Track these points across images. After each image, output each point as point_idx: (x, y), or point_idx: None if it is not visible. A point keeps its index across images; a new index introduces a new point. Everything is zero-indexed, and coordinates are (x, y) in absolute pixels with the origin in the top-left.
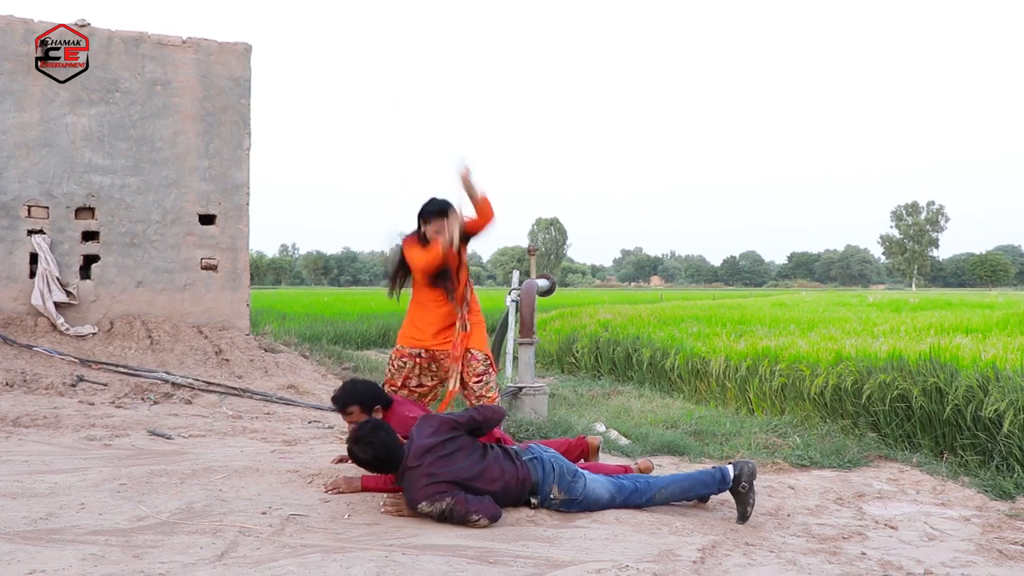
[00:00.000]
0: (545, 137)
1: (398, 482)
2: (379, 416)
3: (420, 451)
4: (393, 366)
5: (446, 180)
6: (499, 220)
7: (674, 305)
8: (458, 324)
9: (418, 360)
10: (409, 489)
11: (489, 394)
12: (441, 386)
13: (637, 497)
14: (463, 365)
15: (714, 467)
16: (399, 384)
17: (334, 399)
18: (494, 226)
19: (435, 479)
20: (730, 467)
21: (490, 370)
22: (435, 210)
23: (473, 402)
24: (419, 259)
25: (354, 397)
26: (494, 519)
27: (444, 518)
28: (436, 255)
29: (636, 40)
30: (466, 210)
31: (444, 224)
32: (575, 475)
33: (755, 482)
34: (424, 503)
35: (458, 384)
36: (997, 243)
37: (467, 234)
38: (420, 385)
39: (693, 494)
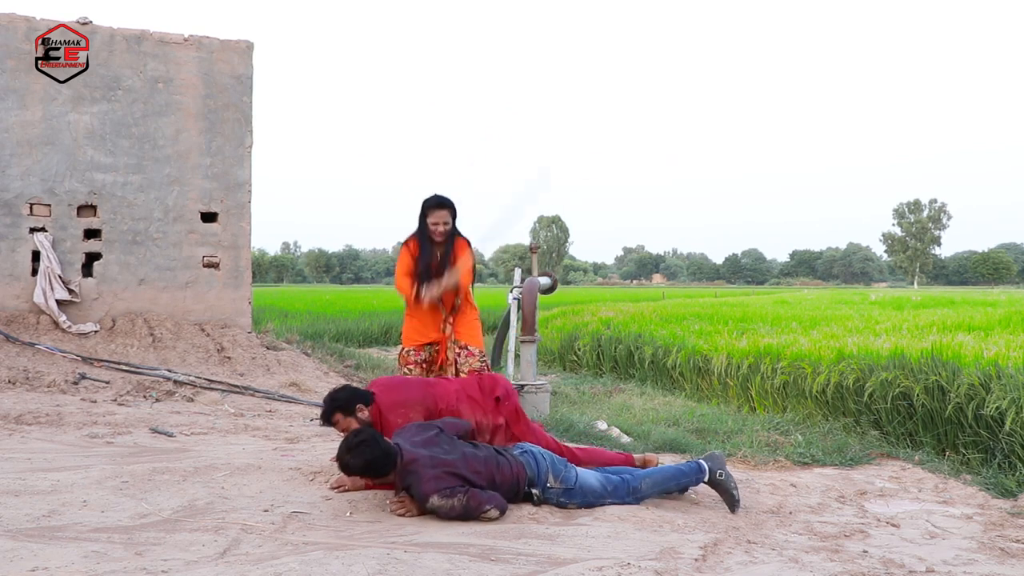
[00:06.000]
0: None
1: (399, 484)
2: (363, 415)
3: (415, 447)
4: (403, 374)
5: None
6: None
7: (676, 303)
8: (447, 316)
9: (424, 366)
10: (416, 484)
11: None
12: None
13: (625, 486)
14: (460, 360)
15: (691, 460)
16: None
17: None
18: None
19: (442, 470)
20: (704, 461)
21: (485, 367)
22: (434, 203)
23: None
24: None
25: (332, 405)
26: (504, 510)
27: (455, 513)
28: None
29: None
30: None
31: (443, 220)
32: (566, 465)
33: (728, 468)
34: (435, 496)
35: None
36: (1000, 241)
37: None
38: None
39: (675, 483)
